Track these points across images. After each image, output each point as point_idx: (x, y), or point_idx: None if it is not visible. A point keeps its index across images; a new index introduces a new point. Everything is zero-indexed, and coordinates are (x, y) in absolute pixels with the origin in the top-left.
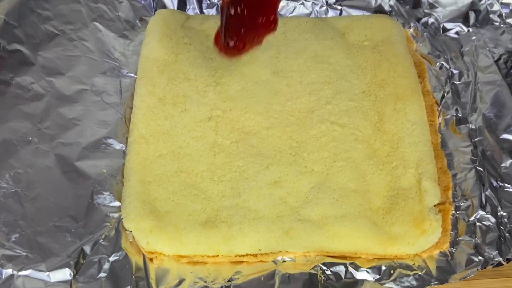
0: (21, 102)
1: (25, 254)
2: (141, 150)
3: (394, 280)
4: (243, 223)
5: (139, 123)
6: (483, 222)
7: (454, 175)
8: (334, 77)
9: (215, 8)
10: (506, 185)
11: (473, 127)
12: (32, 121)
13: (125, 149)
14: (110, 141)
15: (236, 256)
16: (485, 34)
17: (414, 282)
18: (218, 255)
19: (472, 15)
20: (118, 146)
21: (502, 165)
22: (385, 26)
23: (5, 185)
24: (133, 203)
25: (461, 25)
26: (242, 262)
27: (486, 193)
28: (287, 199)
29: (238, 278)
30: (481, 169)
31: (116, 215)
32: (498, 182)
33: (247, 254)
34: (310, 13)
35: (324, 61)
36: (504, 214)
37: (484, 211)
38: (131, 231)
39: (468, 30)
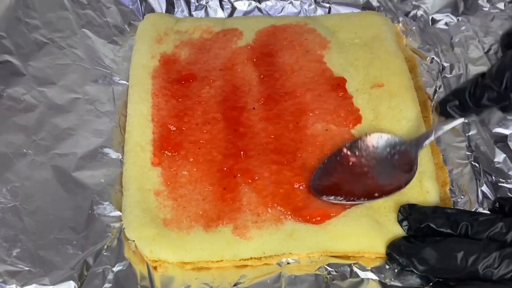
0: (14, 114)
1: (27, 268)
2: (138, 159)
3: (398, 279)
4: (247, 226)
5: (134, 131)
6: None
7: (450, 171)
8: (328, 76)
9: (203, 10)
10: (501, 179)
11: (466, 121)
12: (26, 133)
13: (122, 158)
14: (106, 150)
15: (240, 260)
16: (475, 22)
17: (418, 280)
18: (222, 260)
19: (461, 3)
20: (114, 155)
21: (496, 159)
22: (375, 23)
23: (2, 199)
24: (134, 212)
25: (450, 15)
26: (247, 266)
27: (482, 188)
28: (289, 199)
29: (244, 282)
30: (476, 164)
31: (117, 225)
32: (493, 177)
33: (251, 258)
34: (299, 12)
35: (317, 60)
36: None
37: (482, 206)
38: (133, 241)
39: (458, 20)
